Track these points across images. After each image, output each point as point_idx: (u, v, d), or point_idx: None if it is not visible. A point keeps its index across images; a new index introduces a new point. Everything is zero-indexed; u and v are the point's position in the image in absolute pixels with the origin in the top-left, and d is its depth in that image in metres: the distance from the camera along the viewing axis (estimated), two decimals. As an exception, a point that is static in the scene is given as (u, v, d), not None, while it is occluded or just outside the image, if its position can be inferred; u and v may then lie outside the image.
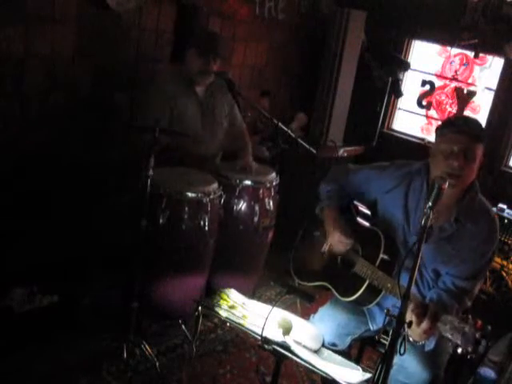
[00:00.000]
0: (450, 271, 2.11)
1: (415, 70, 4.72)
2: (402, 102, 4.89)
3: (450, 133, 2.03)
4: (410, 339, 1.83)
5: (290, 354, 1.79)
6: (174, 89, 2.99)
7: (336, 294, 2.27)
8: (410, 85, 4.78)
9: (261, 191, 3.07)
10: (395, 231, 2.21)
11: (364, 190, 2.36)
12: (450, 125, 2.06)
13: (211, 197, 2.78)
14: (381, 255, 2.10)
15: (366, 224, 2.34)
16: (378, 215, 2.32)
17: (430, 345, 2.08)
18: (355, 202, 2.42)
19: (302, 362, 1.78)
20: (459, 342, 1.66)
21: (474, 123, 2.08)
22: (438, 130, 2.13)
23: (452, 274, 2.11)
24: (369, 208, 2.39)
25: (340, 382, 1.70)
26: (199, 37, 3.09)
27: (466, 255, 2.08)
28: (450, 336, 1.70)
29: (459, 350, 1.68)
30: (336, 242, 2.28)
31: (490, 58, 4.38)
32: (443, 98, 4.67)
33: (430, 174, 2.15)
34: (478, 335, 1.64)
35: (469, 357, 1.66)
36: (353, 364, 1.91)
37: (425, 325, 1.78)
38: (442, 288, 2.11)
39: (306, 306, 2.84)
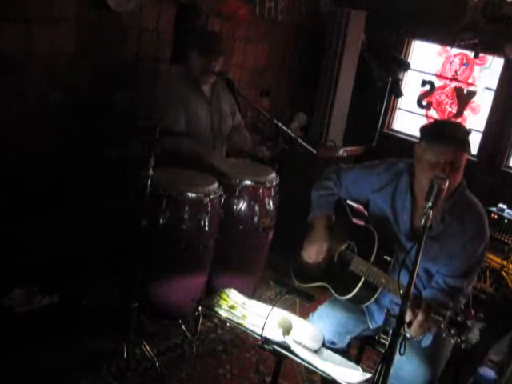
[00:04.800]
0: (441, 270, 2.12)
1: (415, 70, 4.72)
2: (401, 102, 4.88)
3: (436, 144, 1.98)
4: (407, 335, 1.82)
5: (290, 354, 1.79)
6: (184, 89, 3.03)
7: (334, 294, 2.28)
8: (410, 85, 4.78)
9: (261, 191, 3.07)
10: (387, 230, 2.23)
11: (355, 191, 2.37)
12: (437, 135, 2.01)
13: (211, 197, 2.78)
14: (374, 252, 2.13)
15: (361, 223, 2.35)
16: (371, 214, 2.33)
17: (427, 341, 2.08)
18: (350, 202, 2.44)
19: (302, 362, 1.78)
20: (453, 332, 1.69)
21: (461, 132, 2.05)
22: (424, 135, 2.07)
23: (443, 272, 2.11)
24: (364, 207, 2.42)
25: (340, 382, 1.70)
26: (200, 37, 3.13)
27: (455, 253, 2.07)
28: (443, 327, 1.72)
29: (452, 341, 1.70)
30: (307, 254, 2.36)
31: (490, 58, 4.37)
32: (443, 98, 4.66)
33: (413, 176, 2.14)
34: (469, 323, 1.67)
35: (463, 346, 1.67)
36: (353, 364, 1.91)
37: (420, 317, 1.80)
38: (436, 287, 2.12)
39: (305, 305, 2.83)
